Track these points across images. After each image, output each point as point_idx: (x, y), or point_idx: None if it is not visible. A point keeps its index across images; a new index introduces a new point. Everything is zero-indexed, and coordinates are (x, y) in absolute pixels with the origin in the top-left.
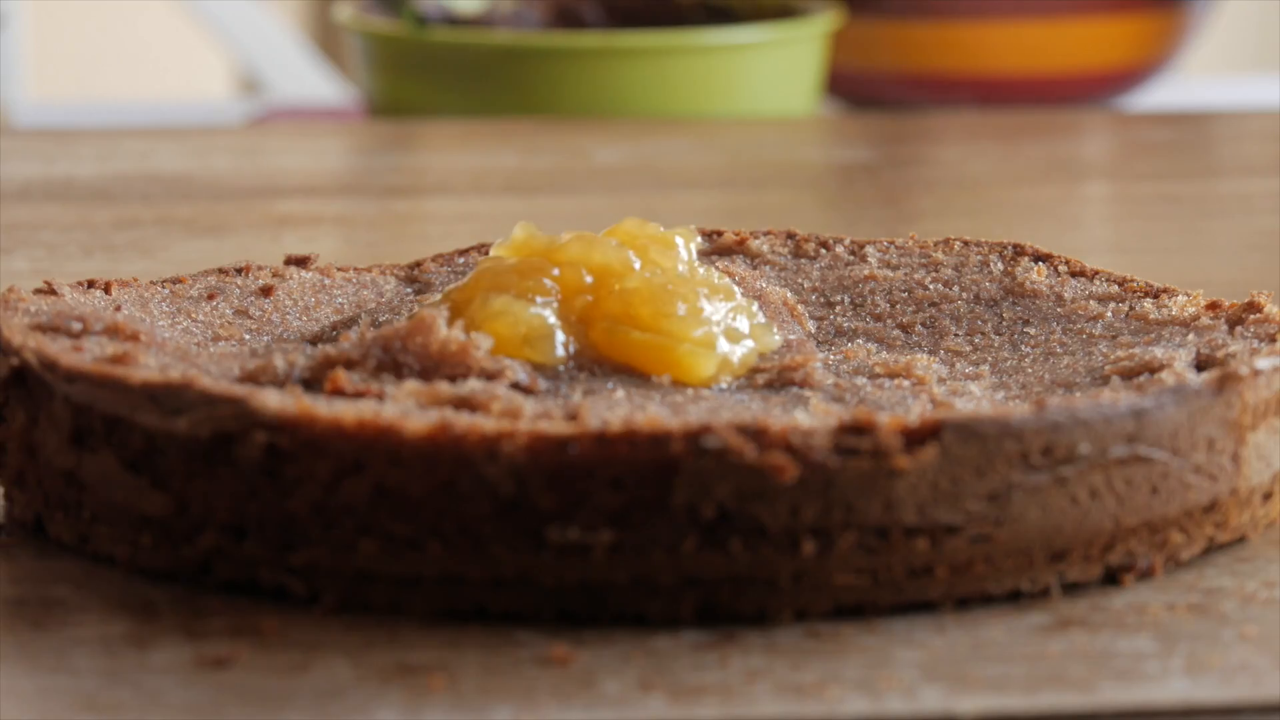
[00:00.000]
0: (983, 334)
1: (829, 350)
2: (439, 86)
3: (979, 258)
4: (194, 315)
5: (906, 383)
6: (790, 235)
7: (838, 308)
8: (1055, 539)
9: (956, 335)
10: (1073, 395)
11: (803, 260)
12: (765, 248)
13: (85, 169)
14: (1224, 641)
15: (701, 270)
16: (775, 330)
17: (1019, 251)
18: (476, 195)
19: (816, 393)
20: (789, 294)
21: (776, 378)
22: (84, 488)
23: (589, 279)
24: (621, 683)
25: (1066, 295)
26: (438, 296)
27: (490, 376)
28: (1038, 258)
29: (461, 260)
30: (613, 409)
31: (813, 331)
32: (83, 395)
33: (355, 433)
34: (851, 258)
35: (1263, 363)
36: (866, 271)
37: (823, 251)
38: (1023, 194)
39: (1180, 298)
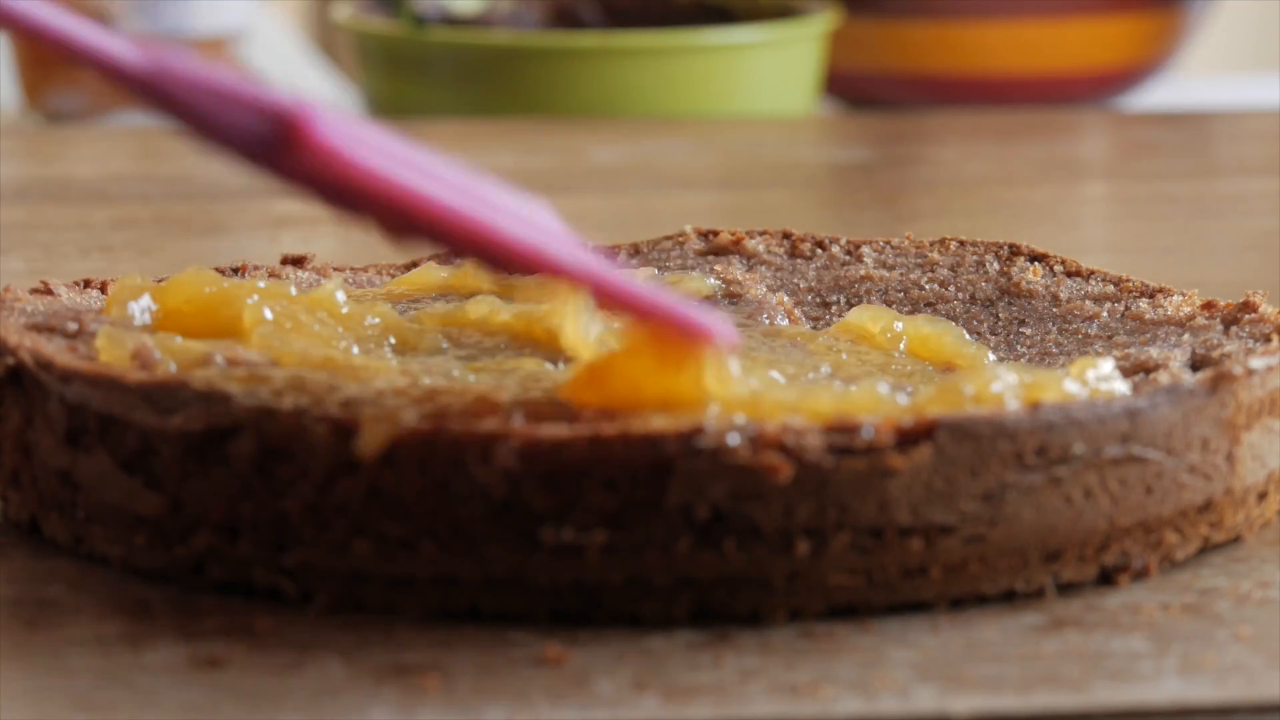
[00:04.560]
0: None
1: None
2: (438, 86)
3: (975, 258)
4: None
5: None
6: (786, 235)
7: (834, 308)
8: (1049, 539)
9: None
10: None
11: (799, 260)
12: (761, 248)
13: (83, 169)
14: (1218, 642)
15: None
16: None
17: (1015, 251)
18: None
19: None
20: (784, 295)
21: None
22: (79, 488)
23: None
24: (615, 683)
25: (1062, 295)
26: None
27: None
28: (1033, 258)
29: (461, 260)
30: None
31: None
32: (78, 395)
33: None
34: (847, 258)
35: (1257, 362)
36: (862, 272)
37: (819, 251)
38: (1021, 194)
39: (1176, 298)
